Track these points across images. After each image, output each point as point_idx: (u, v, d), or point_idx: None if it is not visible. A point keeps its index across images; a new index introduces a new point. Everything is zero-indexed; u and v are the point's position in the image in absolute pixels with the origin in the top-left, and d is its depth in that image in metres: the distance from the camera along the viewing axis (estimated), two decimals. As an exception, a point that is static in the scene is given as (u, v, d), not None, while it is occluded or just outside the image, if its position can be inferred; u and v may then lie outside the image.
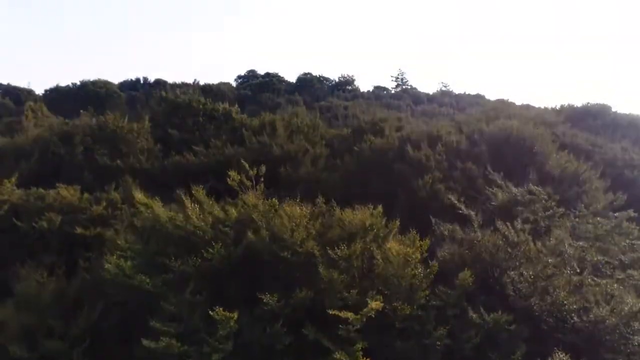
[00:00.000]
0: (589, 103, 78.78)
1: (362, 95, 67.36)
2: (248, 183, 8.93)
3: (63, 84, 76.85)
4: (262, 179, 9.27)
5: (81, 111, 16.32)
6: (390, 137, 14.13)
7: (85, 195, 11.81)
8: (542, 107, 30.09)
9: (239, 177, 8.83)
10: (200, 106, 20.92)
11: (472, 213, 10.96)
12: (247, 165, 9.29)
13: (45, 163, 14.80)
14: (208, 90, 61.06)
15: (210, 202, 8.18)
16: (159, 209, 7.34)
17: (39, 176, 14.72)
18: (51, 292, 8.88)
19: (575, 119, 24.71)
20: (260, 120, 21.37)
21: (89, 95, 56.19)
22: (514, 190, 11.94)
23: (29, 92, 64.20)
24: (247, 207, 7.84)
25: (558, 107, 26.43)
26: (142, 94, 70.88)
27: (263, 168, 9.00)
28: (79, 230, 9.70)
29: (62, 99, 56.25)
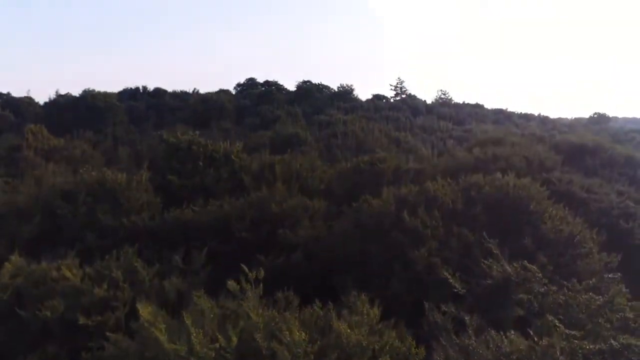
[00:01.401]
0: (595, 114, 78.59)
1: (362, 106, 67.47)
2: (247, 286, 9.12)
3: (63, 91, 77.04)
4: (261, 283, 9.43)
5: (81, 171, 16.43)
6: (387, 202, 14.26)
7: (88, 270, 11.97)
8: (540, 132, 30.27)
9: (238, 286, 8.98)
10: (201, 149, 21.11)
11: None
12: (245, 269, 9.44)
13: (47, 224, 14.97)
14: (207, 101, 61.33)
15: (213, 314, 8.32)
16: (163, 336, 7.49)
17: (40, 239, 14.93)
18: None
19: (573, 156, 24.93)
20: (260, 163, 21.59)
21: (88, 109, 56.31)
22: (509, 269, 12.14)
23: (29, 103, 64.35)
24: (249, 323, 8.00)
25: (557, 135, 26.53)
26: (142, 104, 71.14)
27: (262, 272, 9.15)
28: (81, 320, 9.90)
29: (62, 113, 56.40)
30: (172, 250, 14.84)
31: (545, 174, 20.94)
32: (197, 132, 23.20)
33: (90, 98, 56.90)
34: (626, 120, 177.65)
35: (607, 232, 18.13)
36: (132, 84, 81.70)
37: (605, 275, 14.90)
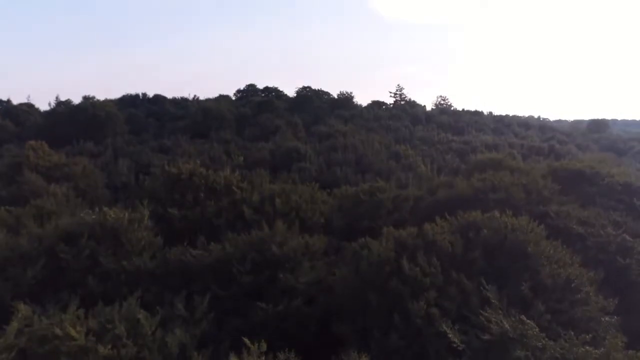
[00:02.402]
0: (593, 121, 78.55)
1: (362, 114, 67.62)
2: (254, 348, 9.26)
3: (62, 96, 76.97)
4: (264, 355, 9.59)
5: (82, 214, 16.59)
6: (386, 249, 14.43)
7: (91, 324, 12.12)
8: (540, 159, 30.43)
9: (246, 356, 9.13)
10: (202, 180, 21.26)
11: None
12: (248, 341, 9.59)
13: (51, 268, 15.14)
14: (207, 111, 61.43)
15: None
16: None
17: (43, 283, 15.08)
18: None
19: (571, 182, 25.09)
20: (260, 193, 21.71)
21: (88, 119, 56.42)
22: (506, 325, 12.32)
23: (29, 112, 64.47)
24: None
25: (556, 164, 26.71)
26: (141, 111, 71.27)
27: (264, 345, 9.30)
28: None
29: (62, 123, 56.48)
30: (174, 293, 15.03)
31: (543, 206, 21.08)
32: (198, 161, 23.13)
33: (90, 108, 56.96)
34: (626, 122, 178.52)
35: (605, 269, 18.33)
36: (132, 84, 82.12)
37: (603, 319, 15.20)
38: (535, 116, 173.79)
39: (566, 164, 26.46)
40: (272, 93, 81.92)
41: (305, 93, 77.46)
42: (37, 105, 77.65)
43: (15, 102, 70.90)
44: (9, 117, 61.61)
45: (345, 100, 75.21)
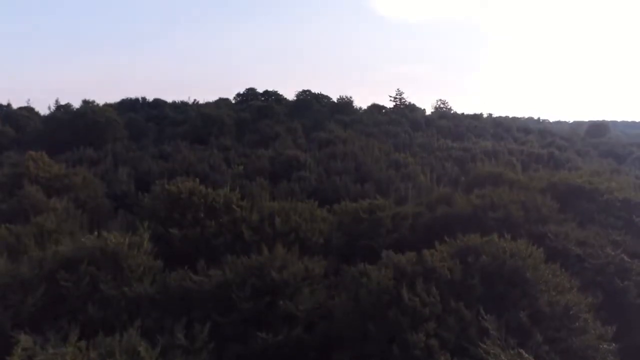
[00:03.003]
0: (593, 125, 78.65)
1: (361, 119, 67.63)
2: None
3: (63, 101, 77.10)
4: None
5: (83, 239, 16.62)
6: (385, 277, 14.50)
7: (92, 356, 12.19)
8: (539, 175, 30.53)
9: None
10: (201, 200, 21.31)
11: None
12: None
13: (51, 295, 15.21)
14: (207, 117, 61.47)
15: None
16: None
17: (43, 310, 15.15)
18: None
19: (570, 198, 25.18)
20: (260, 211, 21.74)
21: (88, 124, 56.47)
22: (504, 359, 12.40)
23: (29, 117, 64.51)
24: None
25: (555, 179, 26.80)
26: (141, 116, 71.30)
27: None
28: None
29: (62, 128, 56.53)
30: (175, 319, 15.10)
31: (542, 225, 21.15)
32: (197, 179, 23.15)
33: (90, 113, 56.99)
34: (626, 124, 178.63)
35: (603, 291, 18.45)
36: (131, 84, 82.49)
37: (601, 346, 15.29)
38: (535, 117, 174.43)
39: (565, 179, 26.51)
40: (272, 97, 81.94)
41: (305, 97, 77.52)
42: (37, 109, 77.95)
43: (15, 104, 70.95)
44: (9, 123, 61.64)
45: (345, 104, 75.23)
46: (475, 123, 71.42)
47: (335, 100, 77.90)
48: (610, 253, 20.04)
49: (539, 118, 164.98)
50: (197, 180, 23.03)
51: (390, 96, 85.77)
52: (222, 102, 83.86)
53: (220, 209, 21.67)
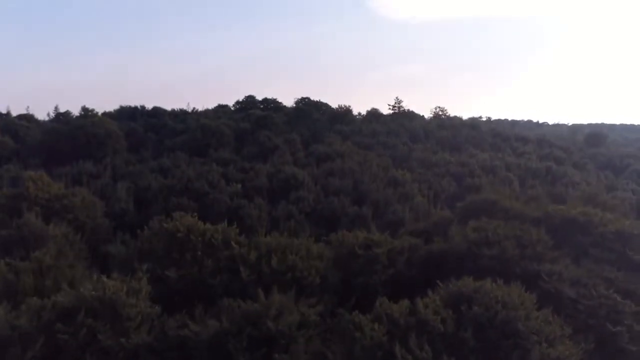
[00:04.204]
0: (591, 135, 78.57)
1: (360, 130, 67.77)
2: None
3: (62, 108, 77.33)
4: None
5: (81, 289, 16.86)
6: (379, 332, 14.73)
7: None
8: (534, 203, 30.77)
9: None
10: (199, 238, 21.51)
11: None
12: None
13: (49, 346, 15.45)
14: (206, 128, 61.63)
15: None
16: None
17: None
18: None
19: (564, 230, 25.41)
20: (257, 248, 21.94)
21: (88, 136, 56.63)
22: None
23: (28, 127, 64.64)
24: None
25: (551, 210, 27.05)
26: (140, 124, 71.37)
27: None
28: None
29: (62, 141, 56.66)
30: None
31: (537, 264, 21.39)
32: (195, 214, 23.34)
33: (89, 125, 57.09)
34: (624, 127, 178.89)
35: (595, 336, 18.70)
36: (130, 87, 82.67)
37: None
38: (535, 120, 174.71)
39: (560, 210, 26.72)
40: (271, 105, 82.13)
41: (304, 106, 77.67)
42: (36, 115, 78.24)
43: (15, 105, 71.02)
44: (8, 133, 61.72)
45: (344, 113, 75.37)
46: (474, 133, 71.56)
47: (334, 107, 78.31)
48: (603, 293, 20.27)
49: (537, 121, 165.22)
50: (195, 215, 23.22)
51: (389, 104, 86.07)
52: (221, 109, 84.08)
53: (218, 245, 21.89)
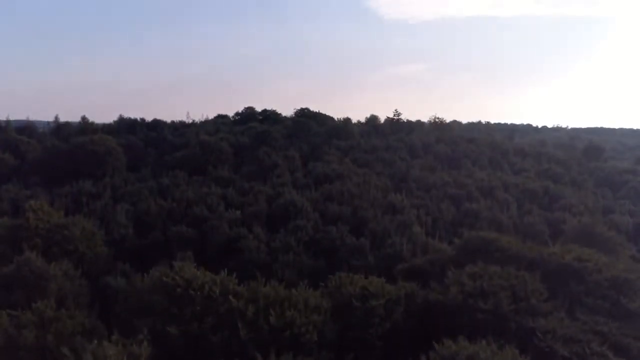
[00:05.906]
0: (591, 145, 78.48)
1: (359, 145, 68.01)
2: None
3: (63, 118, 77.61)
4: None
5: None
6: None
7: None
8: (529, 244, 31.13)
9: None
10: (198, 292, 21.82)
11: None
12: None
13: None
14: (206, 145, 61.88)
15: None
16: None
17: None
18: None
19: (558, 276, 25.77)
20: (255, 302, 22.22)
21: (87, 155, 56.93)
22: None
23: (29, 143, 64.87)
24: None
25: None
26: (140, 138, 71.58)
27: None
28: None
29: (62, 159, 56.94)
30: None
31: (532, 320, 21.72)
32: (195, 264, 23.66)
33: (89, 144, 57.30)
34: (623, 132, 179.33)
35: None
36: (131, 85, 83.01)
37: None
38: (534, 125, 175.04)
39: (554, 255, 27.08)
40: (270, 116, 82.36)
41: (303, 118, 77.87)
42: (37, 117, 78.57)
43: (15, 108, 71.15)
44: (8, 149, 61.94)
45: (343, 126, 75.53)
46: (472, 147, 71.82)
47: (334, 118, 78.61)
48: (596, 350, 20.58)
49: (537, 126, 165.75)
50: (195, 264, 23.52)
51: (388, 117, 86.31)
52: (221, 120, 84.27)
53: (217, 298, 22.20)
